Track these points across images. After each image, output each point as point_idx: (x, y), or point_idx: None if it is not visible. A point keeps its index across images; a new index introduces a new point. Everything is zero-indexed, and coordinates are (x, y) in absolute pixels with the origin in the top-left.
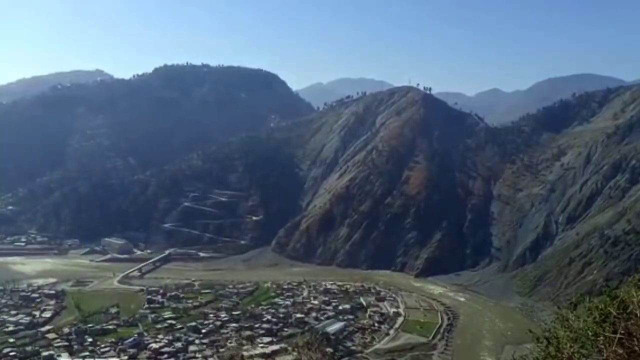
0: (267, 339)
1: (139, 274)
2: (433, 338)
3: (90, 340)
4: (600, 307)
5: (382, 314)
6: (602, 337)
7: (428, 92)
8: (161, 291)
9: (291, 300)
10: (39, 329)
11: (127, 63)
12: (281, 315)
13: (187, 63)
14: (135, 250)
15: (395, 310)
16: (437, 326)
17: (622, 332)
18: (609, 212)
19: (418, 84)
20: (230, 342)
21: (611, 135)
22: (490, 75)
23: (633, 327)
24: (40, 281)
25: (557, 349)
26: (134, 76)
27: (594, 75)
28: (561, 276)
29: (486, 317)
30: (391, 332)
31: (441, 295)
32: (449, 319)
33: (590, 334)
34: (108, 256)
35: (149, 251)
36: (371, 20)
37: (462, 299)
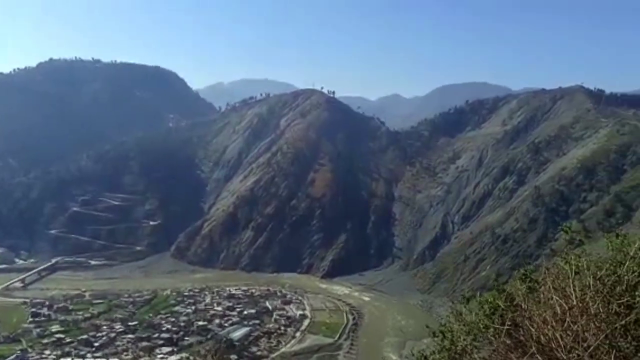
0: (166, 349)
1: (21, 285)
2: (339, 338)
3: None
4: (489, 300)
5: (288, 317)
6: (491, 329)
7: (332, 95)
8: (47, 303)
9: (193, 307)
10: None
11: (6, 56)
12: (182, 324)
13: (75, 58)
14: (16, 259)
15: (301, 312)
16: (343, 326)
17: (509, 323)
18: (499, 212)
19: (322, 87)
20: (127, 355)
21: (500, 140)
22: (391, 81)
23: (519, 318)
24: None
25: (451, 342)
26: (14, 70)
27: (485, 84)
28: (457, 273)
29: (389, 315)
30: (297, 334)
31: (346, 295)
32: (354, 318)
33: (481, 326)
34: None
35: (32, 260)
36: (274, 22)
37: (367, 299)
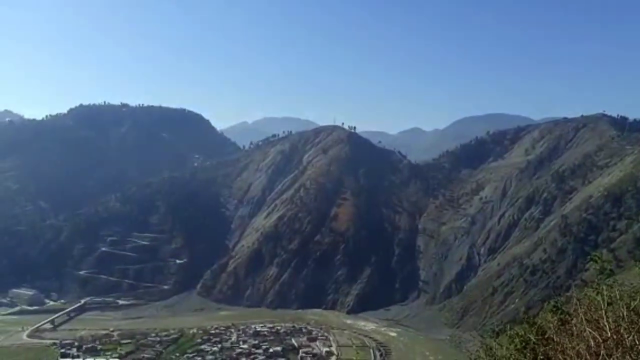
0: None
1: (51, 326)
2: None
3: None
4: (520, 334)
5: (314, 354)
6: None
7: (353, 130)
8: (76, 344)
9: (219, 346)
10: None
11: (38, 103)
12: None
13: (104, 102)
14: (47, 300)
15: (327, 349)
16: None
17: (542, 357)
18: (526, 243)
19: (343, 123)
20: None
21: (523, 170)
22: (410, 115)
23: (551, 351)
24: None
25: None
26: (46, 116)
27: (505, 114)
28: (486, 306)
29: (417, 350)
30: None
31: (373, 331)
32: (381, 355)
33: None
34: (16, 308)
35: (62, 301)
36: (294, 60)
37: (393, 334)
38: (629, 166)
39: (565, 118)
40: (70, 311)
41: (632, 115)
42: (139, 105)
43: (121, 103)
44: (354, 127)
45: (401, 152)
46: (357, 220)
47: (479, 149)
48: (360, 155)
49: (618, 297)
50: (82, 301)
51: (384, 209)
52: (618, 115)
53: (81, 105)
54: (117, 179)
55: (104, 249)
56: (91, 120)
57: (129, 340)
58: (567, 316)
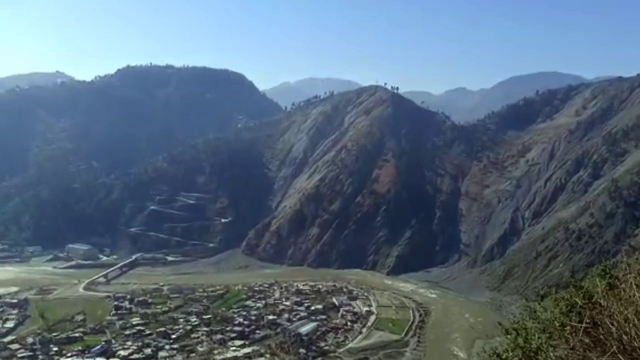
0: (239, 342)
1: (105, 280)
2: (405, 335)
3: (55, 349)
4: (566, 298)
5: (354, 313)
6: (568, 327)
7: (395, 91)
8: (128, 297)
9: (263, 302)
10: (1, 340)
11: (88, 64)
12: (253, 318)
13: (150, 64)
14: (100, 255)
15: (367, 308)
16: (409, 323)
17: (588, 321)
18: (573, 207)
19: (385, 84)
20: (201, 347)
21: (573, 132)
22: (456, 74)
23: (598, 316)
24: (2, 290)
25: (525, 340)
26: (95, 78)
27: (556, 73)
28: (528, 270)
29: (456, 312)
30: (364, 330)
31: (412, 292)
32: (420, 315)
33: (557, 324)
34: (72, 263)
35: (115, 256)
36: (337, 19)
37: (433, 295)
38: None
39: (620, 77)
40: (122, 266)
41: None
42: (184, 66)
43: (166, 64)
44: (397, 88)
45: (445, 112)
46: (398, 182)
47: (527, 109)
48: (402, 116)
49: None
50: (134, 257)
51: (425, 171)
52: None
53: (128, 67)
54: (164, 139)
55: (153, 207)
56: (138, 81)
57: (178, 295)
58: (615, 281)
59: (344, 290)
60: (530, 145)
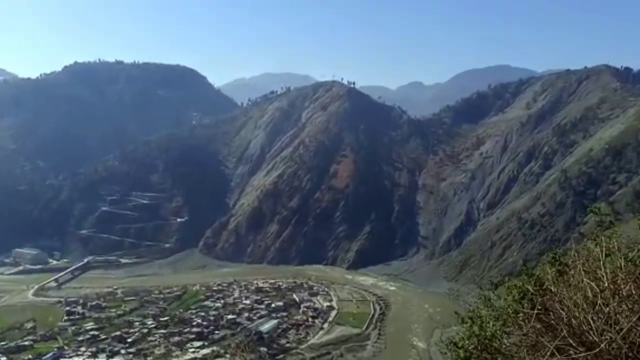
0: (197, 343)
1: (55, 284)
2: (366, 328)
3: (4, 359)
4: (518, 285)
5: (315, 309)
6: (521, 314)
7: (352, 86)
8: (81, 301)
9: (222, 302)
10: None
11: (32, 62)
12: (212, 318)
13: (99, 60)
14: (50, 259)
15: (328, 304)
16: (370, 316)
17: (539, 307)
18: (525, 197)
19: (342, 79)
20: (159, 350)
21: (524, 124)
22: (411, 69)
23: (549, 302)
24: None
25: (480, 328)
26: (41, 75)
27: (508, 66)
28: (484, 260)
29: (416, 303)
30: (325, 325)
31: (373, 285)
32: (381, 308)
33: (510, 311)
34: (20, 268)
35: (65, 260)
36: (292, 15)
37: (393, 288)
38: (631, 118)
39: (568, 70)
40: (73, 270)
41: (637, 66)
42: (134, 62)
43: (116, 60)
44: (354, 83)
45: (401, 107)
46: (356, 177)
47: (481, 103)
48: (359, 111)
49: (616, 248)
50: (85, 260)
51: (383, 165)
52: (622, 67)
53: (76, 63)
54: (115, 137)
55: (104, 208)
56: (87, 78)
57: (133, 298)
58: (565, 267)
59: (305, 286)
60: (484, 139)
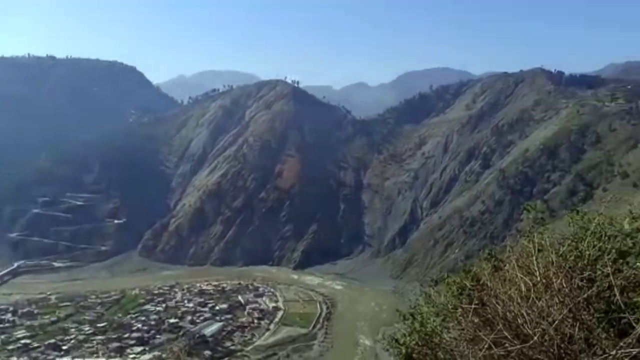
0: (138, 349)
1: None
2: (313, 328)
3: None
4: (457, 281)
5: (261, 310)
6: (459, 309)
7: (296, 85)
8: (11, 309)
9: (163, 305)
10: None
11: None
12: (152, 322)
13: (28, 55)
14: None
15: (274, 304)
16: (316, 316)
17: (477, 302)
18: (466, 196)
19: (286, 77)
20: (97, 356)
21: (465, 125)
22: (355, 69)
23: (485, 296)
24: None
25: (421, 324)
26: None
27: (448, 69)
28: (427, 257)
29: (362, 302)
30: (271, 327)
31: (319, 285)
32: (327, 307)
33: (449, 307)
34: None
35: None
36: (237, 11)
37: (339, 287)
38: (563, 120)
39: (505, 73)
40: (2, 275)
41: (569, 69)
42: (67, 57)
43: (47, 55)
44: (298, 82)
45: (346, 107)
46: (302, 177)
47: (423, 104)
48: (304, 110)
49: (548, 244)
50: (15, 265)
51: (329, 165)
52: (555, 70)
53: (2, 58)
54: (47, 137)
55: (35, 210)
56: (16, 74)
57: (68, 303)
58: (500, 263)
59: (250, 287)
60: (426, 139)
